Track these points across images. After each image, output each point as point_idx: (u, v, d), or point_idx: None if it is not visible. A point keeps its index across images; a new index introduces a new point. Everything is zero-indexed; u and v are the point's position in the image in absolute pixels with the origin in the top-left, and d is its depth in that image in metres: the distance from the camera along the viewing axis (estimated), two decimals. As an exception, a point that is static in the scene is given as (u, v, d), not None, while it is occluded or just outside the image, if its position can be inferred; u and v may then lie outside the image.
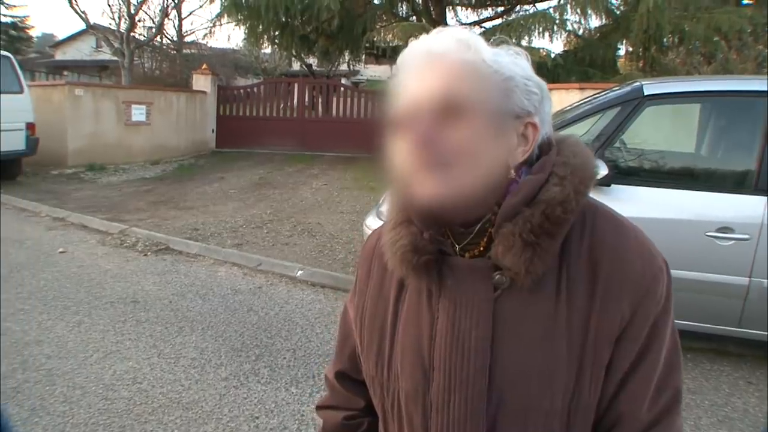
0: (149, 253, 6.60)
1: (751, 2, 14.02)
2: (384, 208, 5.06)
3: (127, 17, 19.95)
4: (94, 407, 3.40)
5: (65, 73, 27.49)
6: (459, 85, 0.85)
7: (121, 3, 19.97)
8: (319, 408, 1.25)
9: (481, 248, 0.92)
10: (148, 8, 28.42)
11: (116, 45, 19.82)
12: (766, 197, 3.78)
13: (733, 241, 3.78)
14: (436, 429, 0.92)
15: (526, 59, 0.92)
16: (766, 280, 3.78)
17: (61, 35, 36.65)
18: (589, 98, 5.00)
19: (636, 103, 4.04)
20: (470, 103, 0.84)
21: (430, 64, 0.87)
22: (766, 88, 3.97)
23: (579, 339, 0.87)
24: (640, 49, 12.00)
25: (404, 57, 0.90)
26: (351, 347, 1.15)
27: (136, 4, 20.19)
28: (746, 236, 3.77)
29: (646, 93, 4.07)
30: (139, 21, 21.20)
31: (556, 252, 0.87)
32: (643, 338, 0.88)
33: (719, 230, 3.79)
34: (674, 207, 3.94)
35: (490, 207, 0.89)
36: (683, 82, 4.77)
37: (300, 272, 6.01)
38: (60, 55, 33.01)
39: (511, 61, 0.89)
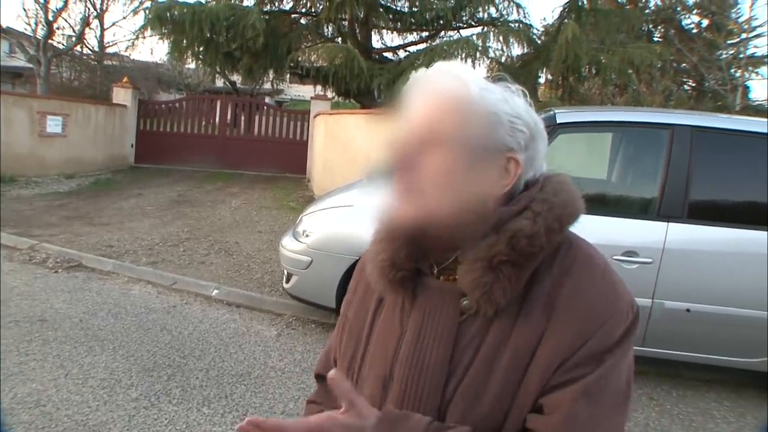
0: (60, 270, 6.34)
1: (660, 39, 14.88)
2: (301, 229, 5.04)
3: (44, 23, 19.26)
4: (-9, 431, 3.23)
5: (-28, 78, 26.21)
6: (440, 116, 0.91)
7: (39, 8, 19.30)
8: (307, 402, 1.29)
9: (457, 277, 0.94)
10: (69, 16, 27.54)
11: (32, 52, 19.09)
12: (667, 223, 4.00)
13: (637, 265, 3.97)
14: None
15: (521, 96, 0.97)
16: (666, 302, 3.98)
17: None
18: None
19: (549, 130, 4.17)
20: (447, 134, 0.90)
21: (422, 94, 0.94)
22: (669, 121, 4.22)
23: (523, 363, 0.89)
24: (560, 78, 12.53)
25: (409, 84, 0.97)
26: (326, 349, 1.25)
27: (54, 10, 19.54)
28: (649, 260, 3.96)
29: (558, 121, 4.24)
30: (57, 28, 20.54)
31: (521, 283, 0.90)
32: (582, 371, 0.87)
33: (625, 254, 3.97)
34: (584, 232, 4.06)
35: (473, 236, 0.92)
36: (594, 111, 4.99)
37: (215, 291, 5.92)
38: (-33, 60, 31.39)
39: (499, 99, 0.94)
